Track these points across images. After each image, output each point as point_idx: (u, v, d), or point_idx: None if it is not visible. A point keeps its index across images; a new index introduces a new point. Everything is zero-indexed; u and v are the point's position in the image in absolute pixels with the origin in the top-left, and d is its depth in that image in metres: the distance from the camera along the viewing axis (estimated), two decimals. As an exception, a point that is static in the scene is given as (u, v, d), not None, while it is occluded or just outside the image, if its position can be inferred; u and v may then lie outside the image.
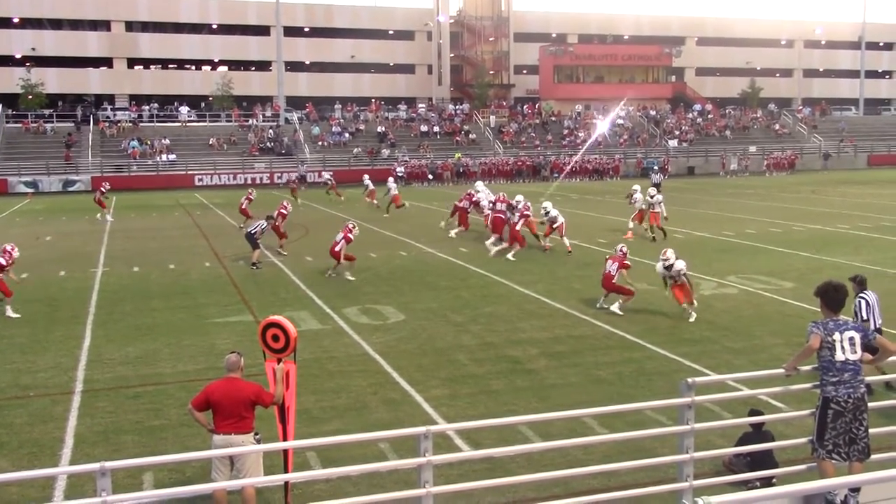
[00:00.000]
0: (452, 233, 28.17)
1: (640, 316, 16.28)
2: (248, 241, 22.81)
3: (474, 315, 16.71)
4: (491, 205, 26.47)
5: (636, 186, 29.53)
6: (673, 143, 68.26)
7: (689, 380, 7.28)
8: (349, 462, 8.67)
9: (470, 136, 66.22)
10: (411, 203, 41.55)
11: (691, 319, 15.66)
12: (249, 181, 54.39)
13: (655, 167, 56.32)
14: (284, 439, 8.48)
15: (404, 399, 11.83)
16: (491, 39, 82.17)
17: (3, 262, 17.30)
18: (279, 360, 8.42)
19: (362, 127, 65.90)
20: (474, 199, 28.55)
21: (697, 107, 76.82)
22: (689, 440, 7.20)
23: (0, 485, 8.75)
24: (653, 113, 73.49)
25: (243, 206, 30.57)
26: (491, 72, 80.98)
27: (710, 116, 75.22)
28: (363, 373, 13.05)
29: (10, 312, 16.93)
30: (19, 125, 60.29)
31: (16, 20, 70.97)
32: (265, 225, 23.13)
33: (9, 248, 17.69)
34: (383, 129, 65.01)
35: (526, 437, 10.13)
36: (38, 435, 10.61)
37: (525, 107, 73.70)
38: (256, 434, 8.36)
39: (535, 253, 24.13)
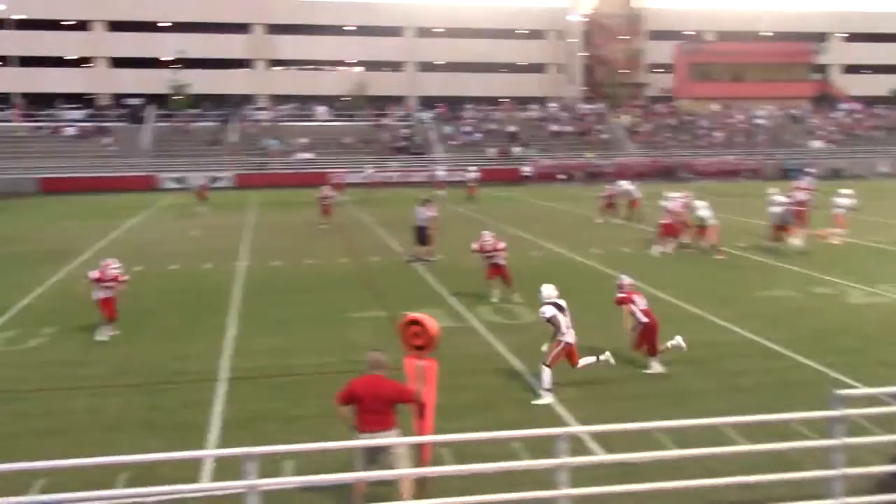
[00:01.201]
0: (661, 250, 24.54)
1: (783, 324, 15.67)
2: (418, 236, 23.20)
3: (607, 318, 16.45)
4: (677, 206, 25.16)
5: (848, 190, 28.06)
6: (817, 144, 65.31)
7: (840, 392, 6.96)
8: (481, 460, 8.69)
9: (602, 135, 65.40)
10: (541, 203, 41.43)
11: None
12: (384, 180, 55.53)
13: (806, 169, 53.24)
14: (422, 435, 8.57)
15: (535, 399, 11.79)
16: (624, 37, 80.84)
17: (98, 275, 15.07)
18: (419, 357, 8.51)
19: (493, 126, 66.12)
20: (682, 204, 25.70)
21: (844, 106, 73.23)
22: (840, 455, 6.89)
23: (155, 463, 9.23)
24: (795, 112, 70.56)
25: (325, 203, 31.54)
26: (624, 70, 79.69)
27: (857, 116, 71.58)
28: (495, 372, 13.08)
29: (100, 335, 15.12)
30: (168, 124, 63.47)
31: (165, 24, 74.77)
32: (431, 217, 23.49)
33: (112, 263, 15.50)
34: (514, 128, 65.02)
35: (660, 443, 9.91)
36: (187, 418, 11.14)
37: (659, 106, 72.16)
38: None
39: (671, 255, 23.62)
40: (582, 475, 8.81)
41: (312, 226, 31.01)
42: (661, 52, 78.63)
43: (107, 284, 14.94)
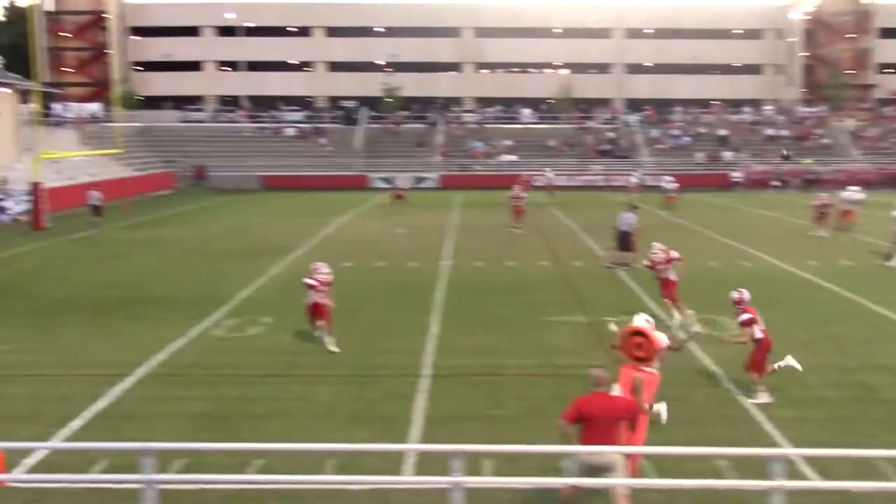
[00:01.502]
0: None
1: None
2: (622, 242, 22.88)
3: (822, 334, 15.49)
4: None
5: None
6: None
7: None
8: (683, 475, 8.41)
9: (822, 140, 61.56)
10: (753, 210, 39.65)
11: None
12: (587, 183, 55.21)
13: None
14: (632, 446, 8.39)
15: (744, 416, 11.27)
16: (851, 35, 75.61)
17: (314, 283, 14.76)
18: (637, 368, 8.33)
19: (703, 130, 63.88)
20: None
21: None
22: None
23: (360, 454, 9.60)
24: None
25: (517, 205, 31.58)
26: (849, 71, 74.57)
27: None
28: (700, 385, 12.61)
29: (330, 345, 14.65)
30: (379, 126, 65.98)
31: (379, 30, 77.78)
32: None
33: (322, 267, 15.04)
34: (725, 132, 62.49)
35: (884, 473, 9.20)
36: (390, 411, 11.48)
37: (888, 109, 66.98)
38: None
39: (896, 270, 21.92)
40: (795, 500, 8.33)
41: (508, 228, 31.17)
42: (893, 51, 72.92)
43: (319, 289, 14.74)
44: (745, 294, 12.42)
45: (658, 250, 16.91)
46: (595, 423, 7.74)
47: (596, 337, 15.18)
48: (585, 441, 7.82)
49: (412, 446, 10.03)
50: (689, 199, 42.16)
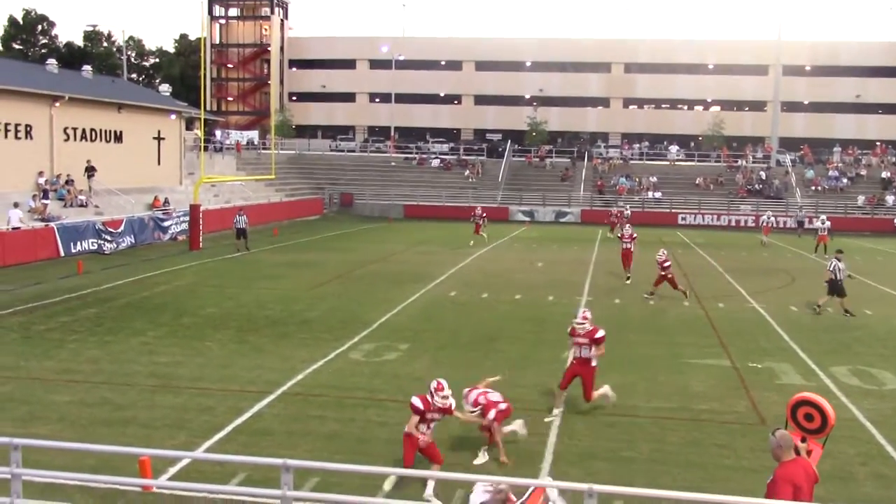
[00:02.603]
0: None
1: None
2: (835, 289, 21.87)
3: None
4: None
5: None
6: None
7: None
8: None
9: None
10: (916, 258, 37.43)
11: None
12: (734, 223, 53.55)
13: None
14: None
15: (899, 476, 10.54)
16: None
17: (421, 406, 9.77)
18: (803, 439, 7.90)
19: (864, 172, 60.76)
20: None
21: None
22: None
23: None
24: None
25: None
26: None
27: None
28: (851, 440, 11.87)
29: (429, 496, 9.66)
30: (523, 159, 66.20)
31: (528, 64, 78.28)
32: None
33: (443, 388, 9.87)
34: (889, 174, 59.21)
35: None
36: (523, 446, 11.37)
37: None
38: None
39: None
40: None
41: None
42: None
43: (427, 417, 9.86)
44: None
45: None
46: (804, 494, 6.91)
47: (739, 382, 14.60)
48: None
49: (544, 482, 9.87)
50: (845, 244, 39.98)
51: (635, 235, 28.26)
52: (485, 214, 40.63)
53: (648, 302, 23.21)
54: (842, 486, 10.13)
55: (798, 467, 7.03)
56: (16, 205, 29.86)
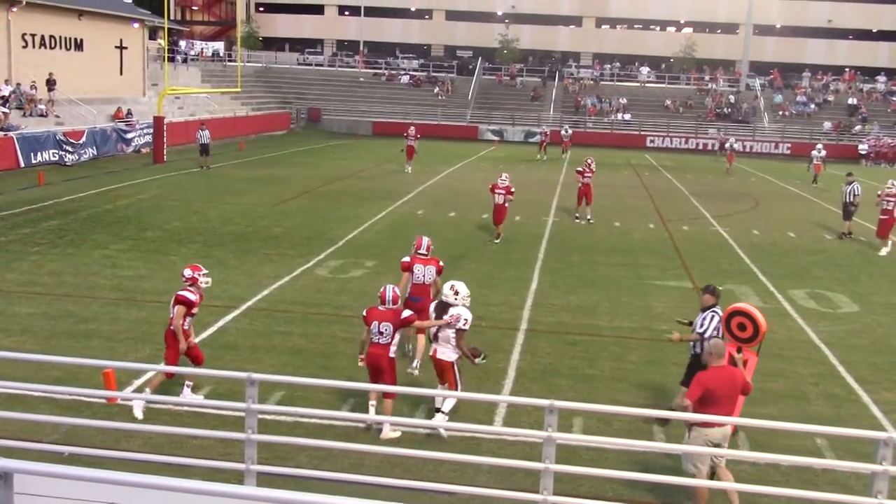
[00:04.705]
0: None
1: None
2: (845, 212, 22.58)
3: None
4: None
5: None
6: None
7: None
8: (777, 451, 8.24)
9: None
10: (872, 183, 37.84)
11: None
12: (701, 146, 53.66)
13: None
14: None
15: (849, 396, 10.90)
16: None
17: (192, 297, 10.29)
18: (739, 349, 8.13)
19: (831, 98, 60.95)
20: None
21: None
22: None
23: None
24: None
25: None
26: None
27: None
28: (805, 361, 12.22)
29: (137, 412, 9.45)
30: (493, 77, 65.44)
31: (501, -20, 76.77)
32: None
33: (198, 275, 10.55)
34: (855, 101, 59.49)
35: None
36: (487, 364, 11.52)
37: None
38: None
39: None
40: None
41: (627, 188, 30.49)
42: None
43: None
44: None
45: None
46: (720, 398, 7.31)
47: (699, 303, 14.87)
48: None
49: (507, 398, 10.07)
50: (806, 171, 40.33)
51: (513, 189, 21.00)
52: (418, 135, 36.35)
53: (613, 224, 23.39)
54: (794, 405, 10.44)
55: (722, 374, 7.36)
56: (-28, 113, 29.11)
